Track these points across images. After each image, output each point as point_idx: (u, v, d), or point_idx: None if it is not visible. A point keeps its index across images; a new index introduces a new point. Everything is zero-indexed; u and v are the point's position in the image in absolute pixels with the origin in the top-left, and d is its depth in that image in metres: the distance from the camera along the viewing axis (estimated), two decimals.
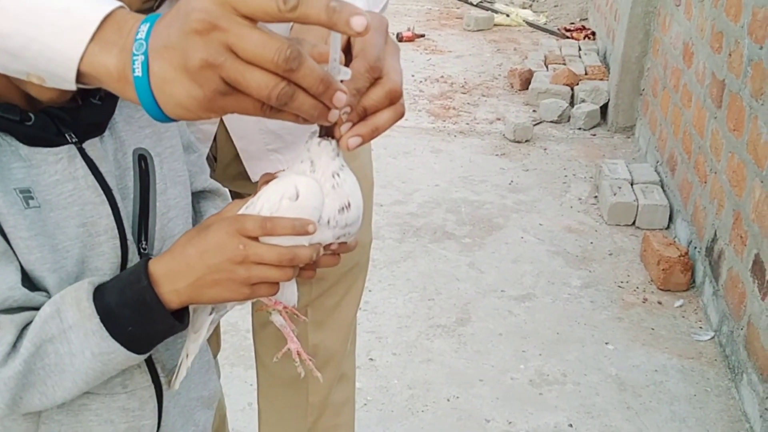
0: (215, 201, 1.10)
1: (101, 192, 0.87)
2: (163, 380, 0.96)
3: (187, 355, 0.92)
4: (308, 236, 0.79)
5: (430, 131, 4.49)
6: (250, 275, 0.80)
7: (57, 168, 0.84)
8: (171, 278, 0.82)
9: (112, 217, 0.88)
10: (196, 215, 1.05)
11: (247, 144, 1.23)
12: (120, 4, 0.70)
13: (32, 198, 0.82)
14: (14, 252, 0.81)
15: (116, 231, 0.88)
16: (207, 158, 1.20)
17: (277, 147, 1.25)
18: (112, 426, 0.92)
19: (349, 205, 0.82)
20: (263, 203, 0.82)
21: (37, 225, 0.82)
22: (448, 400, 2.38)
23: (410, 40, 6.10)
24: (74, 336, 0.80)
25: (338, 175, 0.81)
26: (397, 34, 6.00)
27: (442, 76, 5.50)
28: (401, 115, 0.79)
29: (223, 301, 0.84)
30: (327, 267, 0.86)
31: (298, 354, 0.91)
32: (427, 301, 2.87)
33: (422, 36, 6.32)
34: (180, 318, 0.84)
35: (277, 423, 1.54)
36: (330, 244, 0.84)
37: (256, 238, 0.79)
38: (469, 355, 2.59)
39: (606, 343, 2.67)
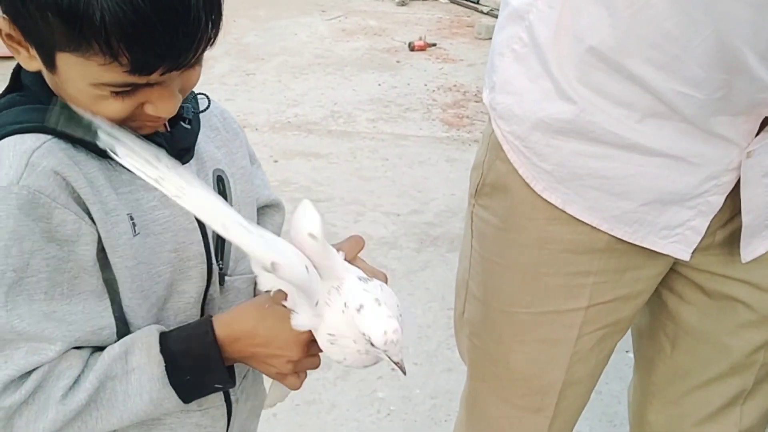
0: (274, 217, 1.12)
1: (193, 218, 0.89)
2: (233, 399, 0.99)
3: None
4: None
5: (444, 140, 4.49)
6: (294, 370, 0.90)
7: (155, 194, 0.85)
8: (231, 344, 0.86)
9: (201, 243, 0.90)
10: None
11: (753, 219, 1.11)
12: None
13: (135, 225, 0.83)
14: (117, 281, 0.83)
15: (204, 256, 0.90)
16: None
17: None
18: None
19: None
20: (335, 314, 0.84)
21: (140, 252, 0.83)
22: None
23: (422, 49, 6.11)
24: (135, 378, 0.82)
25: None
26: (409, 44, 6.02)
27: (454, 85, 5.51)
28: None
29: (262, 372, 0.95)
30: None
31: None
32: (446, 311, 2.86)
33: (434, 45, 6.33)
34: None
35: None
36: None
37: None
38: None
39: (626, 351, 2.64)
